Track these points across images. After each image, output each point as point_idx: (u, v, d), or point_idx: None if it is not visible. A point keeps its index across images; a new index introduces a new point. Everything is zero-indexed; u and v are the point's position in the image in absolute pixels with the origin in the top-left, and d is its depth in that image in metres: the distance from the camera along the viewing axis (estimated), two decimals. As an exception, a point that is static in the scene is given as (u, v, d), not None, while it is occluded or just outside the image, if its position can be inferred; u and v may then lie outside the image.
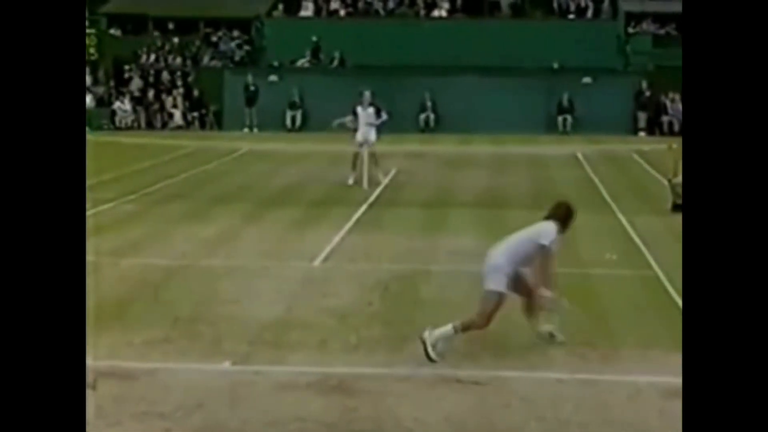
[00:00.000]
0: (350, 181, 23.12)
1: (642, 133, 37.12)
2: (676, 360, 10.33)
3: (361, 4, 43.00)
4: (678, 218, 18.61)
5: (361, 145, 23.29)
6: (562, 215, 10.76)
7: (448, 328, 10.27)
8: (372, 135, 23.36)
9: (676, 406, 9.09)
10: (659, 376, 9.85)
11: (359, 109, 23.45)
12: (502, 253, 10.48)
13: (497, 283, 10.33)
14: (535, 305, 10.69)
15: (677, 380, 9.67)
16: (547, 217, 10.76)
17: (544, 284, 10.47)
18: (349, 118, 23.75)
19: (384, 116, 23.79)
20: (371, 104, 23.50)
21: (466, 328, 10.36)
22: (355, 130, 23.51)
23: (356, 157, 23.32)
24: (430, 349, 10.14)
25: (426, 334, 10.20)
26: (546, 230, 10.53)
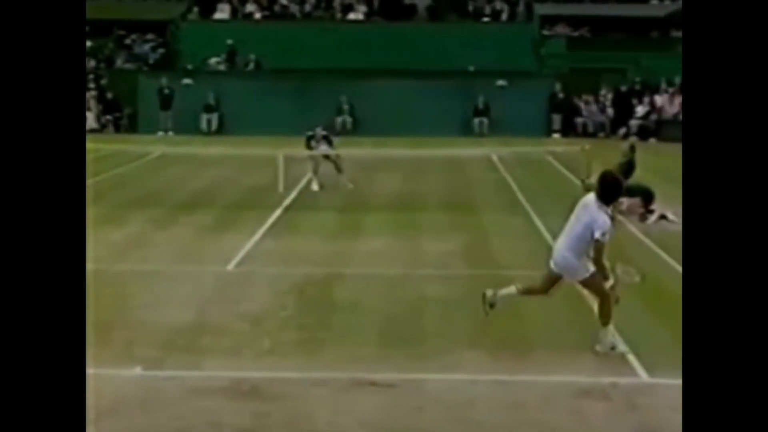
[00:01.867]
0: (314, 187, 22.87)
1: (556, 135, 37.46)
2: (589, 360, 10.48)
3: (277, 7, 42.84)
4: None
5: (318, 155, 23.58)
6: (606, 191, 10.79)
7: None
8: (327, 150, 23.53)
9: (589, 406, 9.20)
10: (572, 376, 9.93)
11: (313, 143, 23.57)
12: (567, 247, 10.78)
13: (583, 272, 10.74)
14: (532, 293, 11.14)
15: (589, 380, 9.82)
16: (596, 193, 10.77)
17: (603, 274, 10.72)
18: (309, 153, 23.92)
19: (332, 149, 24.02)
20: (324, 137, 23.64)
21: (606, 315, 10.79)
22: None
23: (315, 161, 23.30)
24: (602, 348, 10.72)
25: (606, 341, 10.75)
26: (598, 221, 10.56)
